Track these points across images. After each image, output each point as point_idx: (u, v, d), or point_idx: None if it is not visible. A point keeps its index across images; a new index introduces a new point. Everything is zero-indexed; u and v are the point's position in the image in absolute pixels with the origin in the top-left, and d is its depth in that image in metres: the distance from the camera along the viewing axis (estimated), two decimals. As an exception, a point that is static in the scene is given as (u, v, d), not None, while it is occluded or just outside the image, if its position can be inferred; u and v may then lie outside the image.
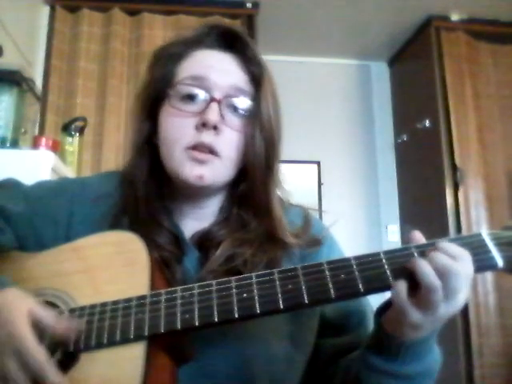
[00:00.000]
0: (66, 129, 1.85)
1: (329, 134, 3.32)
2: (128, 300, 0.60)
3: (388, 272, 0.57)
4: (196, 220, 0.75)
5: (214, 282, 0.60)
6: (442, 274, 0.54)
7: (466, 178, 2.69)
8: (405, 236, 2.99)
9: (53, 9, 2.62)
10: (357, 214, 3.23)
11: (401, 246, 0.60)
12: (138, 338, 0.57)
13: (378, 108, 3.43)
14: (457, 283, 0.54)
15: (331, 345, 0.74)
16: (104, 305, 0.60)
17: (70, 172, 1.63)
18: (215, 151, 0.69)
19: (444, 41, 2.85)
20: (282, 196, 0.77)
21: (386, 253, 0.59)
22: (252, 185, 0.72)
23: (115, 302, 0.60)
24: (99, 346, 0.58)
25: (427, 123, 2.88)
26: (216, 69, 0.71)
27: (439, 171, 2.73)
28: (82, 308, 0.61)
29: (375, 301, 0.68)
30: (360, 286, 0.57)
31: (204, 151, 0.68)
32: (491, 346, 2.49)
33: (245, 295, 0.58)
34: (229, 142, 0.70)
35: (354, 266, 0.58)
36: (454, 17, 2.91)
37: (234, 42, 0.75)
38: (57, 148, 1.59)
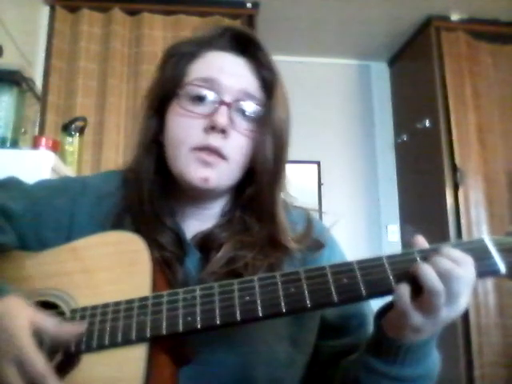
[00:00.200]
0: (66, 129, 1.84)
1: (329, 134, 3.32)
2: (130, 301, 0.59)
3: (391, 277, 0.57)
4: (198, 221, 0.75)
5: (216, 284, 0.60)
6: (445, 278, 0.54)
7: (466, 178, 2.69)
8: (405, 236, 2.99)
9: (53, 9, 2.62)
10: (357, 214, 3.22)
11: (401, 246, 0.60)
12: (140, 339, 0.57)
13: (377, 108, 3.43)
14: (459, 288, 0.55)
15: (331, 346, 0.74)
16: (106, 306, 0.60)
17: (70, 172, 1.62)
18: (223, 155, 0.68)
19: (444, 41, 2.85)
20: (285, 198, 0.77)
21: (389, 257, 0.59)
22: (258, 189, 0.72)
23: (117, 303, 0.60)
24: (101, 347, 0.57)
25: (427, 123, 2.88)
26: (227, 72, 0.71)
27: (439, 171, 2.73)
28: (84, 309, 0.60)
29: (375, 303, 0.68)
30: (362, 290, 0.57)
31: (211, 154, 0.68)
32: (491, 345, 2.49)
33: (247, 298, 0.58)
34: (236, 146, 0.69)
35: (357, 270, 0.58)
36: (454, 17, 2.90)
37: (248, 46, 0.73)
38: (57, 148, 1.59)
